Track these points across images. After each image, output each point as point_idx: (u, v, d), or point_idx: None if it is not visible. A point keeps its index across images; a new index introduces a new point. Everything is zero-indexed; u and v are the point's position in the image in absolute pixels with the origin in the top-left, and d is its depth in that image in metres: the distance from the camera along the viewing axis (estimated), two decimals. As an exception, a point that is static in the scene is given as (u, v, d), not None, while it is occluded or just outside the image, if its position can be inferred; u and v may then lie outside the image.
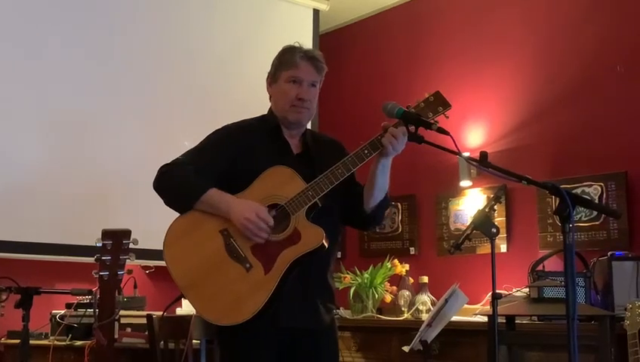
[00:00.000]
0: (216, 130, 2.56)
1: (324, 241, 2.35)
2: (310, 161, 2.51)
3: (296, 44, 2.55)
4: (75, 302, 3.80)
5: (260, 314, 2.29)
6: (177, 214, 2.43)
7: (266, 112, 2.61)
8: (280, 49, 2.58)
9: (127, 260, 2.33)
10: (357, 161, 2.39)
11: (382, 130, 2.40)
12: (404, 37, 5.23)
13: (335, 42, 5.55)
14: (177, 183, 2.42)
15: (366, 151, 2.39)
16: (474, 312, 3.91)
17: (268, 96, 2.61)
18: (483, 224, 2.93)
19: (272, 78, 2.56)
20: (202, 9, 4.75)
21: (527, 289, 3.58)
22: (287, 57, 2.52)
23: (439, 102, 2.43)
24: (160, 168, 2.46)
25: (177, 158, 2.48)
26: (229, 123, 2.58)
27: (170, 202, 2.43)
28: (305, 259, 2.35)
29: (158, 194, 2.44)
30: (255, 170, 2.42)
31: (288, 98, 2.49)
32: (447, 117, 2.43)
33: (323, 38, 5.39)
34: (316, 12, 5.28)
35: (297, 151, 2.55)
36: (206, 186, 2.38)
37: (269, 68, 2.58)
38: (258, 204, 2.36)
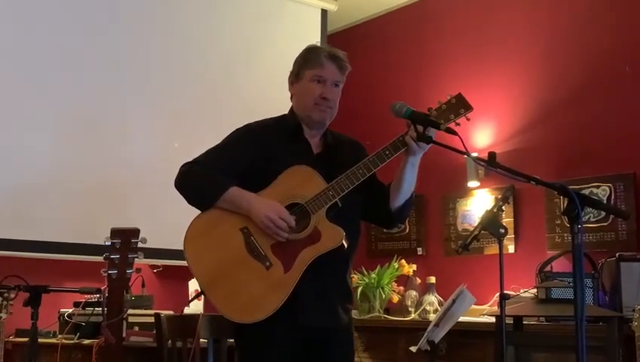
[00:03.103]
0: (237, 129, 2.56)
1: (343, 241, 2.36)
2: (330, 160, 2.52)
3: (319, 44, 2.57)
4: (84, 300, 3.81)
5: (279, 312, 2.30)
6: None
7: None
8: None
9: (136, 259, 2.33)
10: (378, 161, 2.41)
11: (406, 126, 2.39)
12: (412, 37, 5.22)
13: (343, 42, 5.52)
14: (199, 181, 2.44)
15: (387, 152, 2.41)
16: (481, 313, 3.90)
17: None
18: (491, 224, 2.93)
19: (295, 77, 2.56)
20: (210, 9, 4.75)
21: (534, 290, 3.56)
22: (312, 56, 2.53)
23: (461, 105, 2.46)
24: (181, 167, 2.48)
25: (198, 157, 2.49)
26: (251, 122, 2.58)
27: (191, 200, 2.45)
28: (324, 257, 2.36)
29: (180, 192, 2.45)
30: (275, 169, 2.43)
31: (312, 97, 2.50)
32: (469, 119, 2.44)
33: (331, 38, 5.38)
34: (324, 12, 5.27)
35: (317, 151, 2.56)
36: (228, 184, 2.39)
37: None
38: (279, 204, 2.36)
